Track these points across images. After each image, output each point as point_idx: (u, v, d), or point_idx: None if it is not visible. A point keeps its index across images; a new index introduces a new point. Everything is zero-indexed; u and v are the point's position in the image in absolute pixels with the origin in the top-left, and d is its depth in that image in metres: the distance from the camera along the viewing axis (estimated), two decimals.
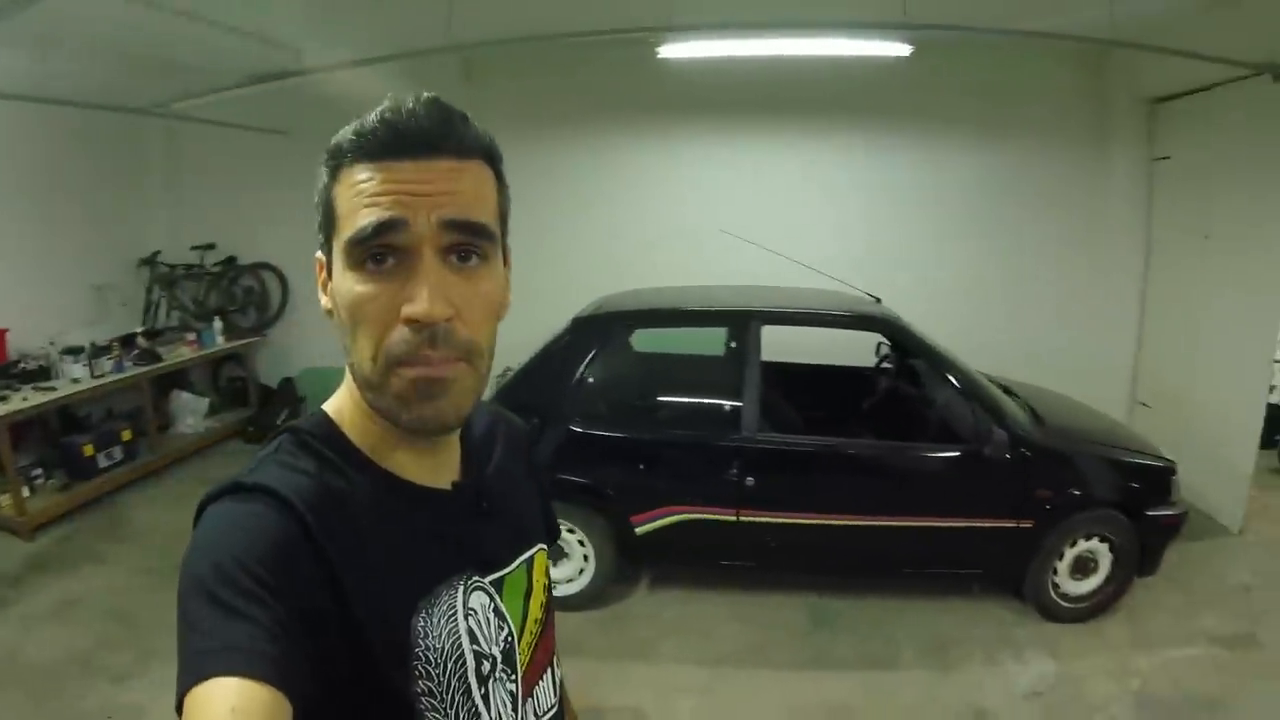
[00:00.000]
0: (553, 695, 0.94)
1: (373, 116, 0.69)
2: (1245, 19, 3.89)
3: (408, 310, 0.67)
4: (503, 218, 0.77)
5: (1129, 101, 5.30)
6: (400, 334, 0.68)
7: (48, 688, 3.06)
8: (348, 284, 0.70)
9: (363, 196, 0.68)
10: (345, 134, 0.70)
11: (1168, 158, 5.19)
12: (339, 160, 0.70)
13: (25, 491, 4.34)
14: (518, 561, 0.89)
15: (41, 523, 4.35)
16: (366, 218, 0.67)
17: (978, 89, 5.37)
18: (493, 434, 0.95)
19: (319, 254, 0.76)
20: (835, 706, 3.08)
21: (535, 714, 0.90)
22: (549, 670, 0.95)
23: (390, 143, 0.68)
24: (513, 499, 0.92)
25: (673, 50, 4.23)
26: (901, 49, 4.09)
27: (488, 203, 0.73)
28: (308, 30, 4.32)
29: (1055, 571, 3.51)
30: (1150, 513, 3.45)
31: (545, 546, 0.96)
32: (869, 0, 3.83)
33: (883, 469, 3.58)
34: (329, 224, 0.72)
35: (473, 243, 0.71)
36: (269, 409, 6.06)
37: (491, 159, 0.75)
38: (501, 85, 5.54)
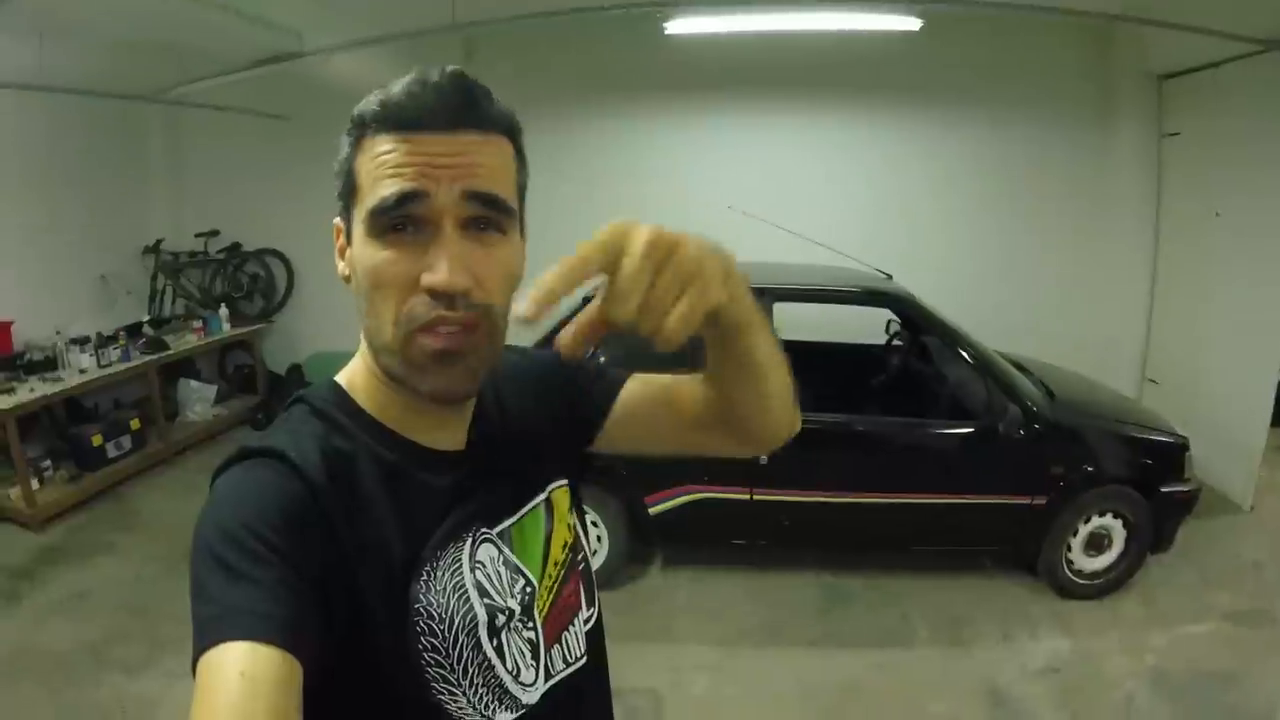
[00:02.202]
0: (582, 645, 0.91)
1: (398, 88, 0.69)
2: None
3: (427, 279, 0.68)
4: (521, 192, 0.78)
5: (1138, 78, 5.24)
6: (420, 299, 0.69)
7: (61, 679, 3.05)
8: (369, 251, 0.70)
9: (385, 167, 0.69)
10: (369, 104, 0.70)
11: (1178, 134, 5.13)
12: (362, 130, 0.71)
13: (35, 483, 4.32)
14: (528, 506, 0.88)
15: (52, 514, 4.34)
16: (389, 188, 0.68)
17: (986, 65, 5.32)
18: (505, 378, 0.93)
19: (337, 220, 0.77)
20: (849, 684, 3.08)
21: (564, 661, 0.88)
22: (580, 616, 0.91)
23: (414, 115, 0.68)
24: (526, 442, 0.90)
25: (680, 26, 4.19)
26: (911, 23, 4.06)
27: (508, 177, 0.74)
28: (308, 12, 4.28)
29: (1069, 548, 3.51)
30: (1164, 489, 3.44)
31: (566, 482, 0.94)
32: None
33: (896, 446, 3.57)
34: (349, 193, 0.73)
35: (492, 216, 0.71)
36: (277, 395, 6.04)
37: (512, 134, 0.75)
38: (504, 65, 5.48)
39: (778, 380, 0.83)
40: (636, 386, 0.98)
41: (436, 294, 0.68)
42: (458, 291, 0.68)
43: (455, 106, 0.69)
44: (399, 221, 0.69)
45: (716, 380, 0.84)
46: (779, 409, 0.87)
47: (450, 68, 0.70)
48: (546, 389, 0.96)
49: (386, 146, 0.69)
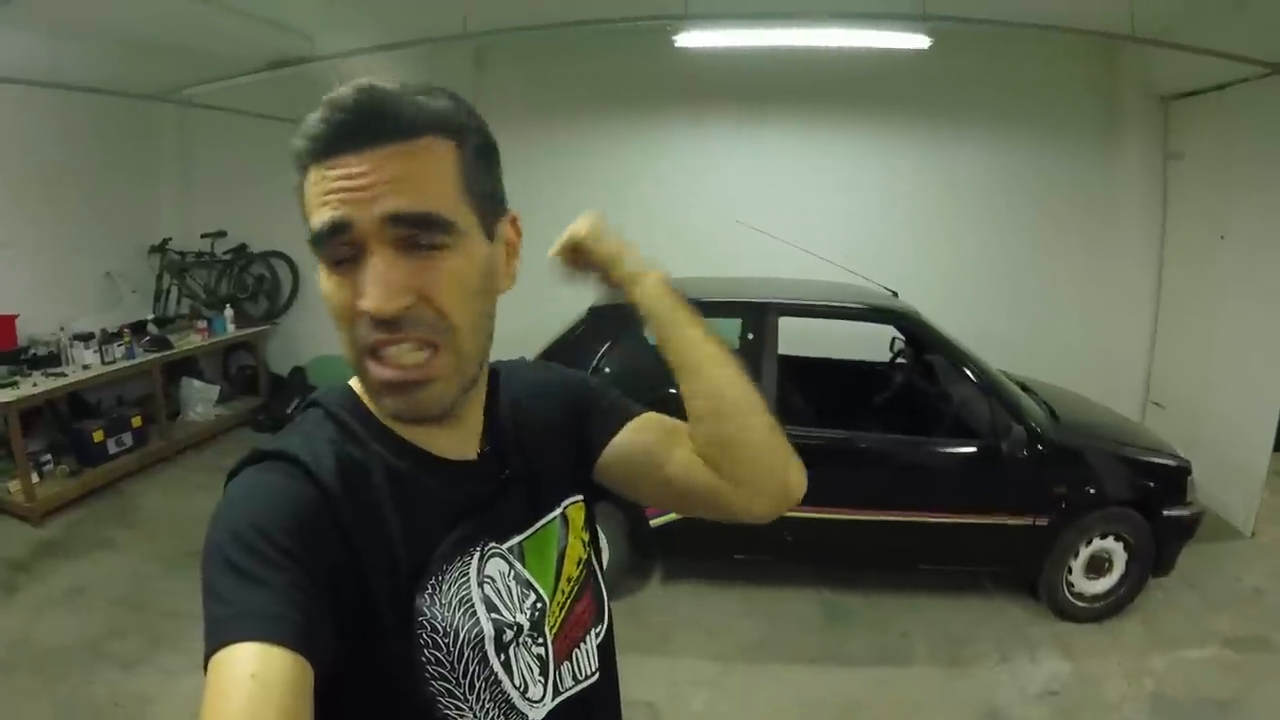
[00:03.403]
0: (594, 662, 0.90)
1: (315, 116, 0.67)
2: (1262, 17, 3.85)
3: (359, 305, 0.67)
4: (474, 190, 0.72)
5: (1143, 98, 5.25)
6: (363, 323, 0.69)
7: (57, 674, 3.05)
8: (322, 279, 0.71)
9: (318, 198, 0.68)
10: (298, 138, 0.69)
11: (1183, 156, 5.14)
12: (301, 164, 0.70)
13: (35, 477, 4.32)
14: (541, 522, 0.87)
15: (51, 509, 4.34)
16: (318, 220, 0.67)
17: (993, 83, 5.34)
18: (527, 391, 0.93)
19: None
20: (847, 702, 3.07)
21: (574, 678, 0.87)
22: (591, 632, 0.91)
23: (331, 139, 0.66)
24: (543, 457, 0.89)
25: (690, 39, 4.20)
26: (920, 41, 4.07)
27: (441, 184, 0.69)
28: (321, 17, 4.30)
29: (1070, 570, 3.49)
30: (1166, 512, 3.42)
31: (582, 498, 0.93)
32: None
33: (899, 464, 3.57)
34: (306, 224, 0.72)
35: (420, 235, 0.67)
36: (279, 397, 6.04)
37: (447, 130, 0.70)
38: (514, 73, 5.51)
39: (736, 392, 0.90)
40: (643, 426, 0.96)
41: (376, 320, 0.67)
42: (388, 315, 0.67)
43: (364, 123, 0.66)
44: (337, 251, 0.68)
45: (682, 387, 0.91)
46: (757, 434, 0.91)
47: (359, 82, 0.67)
48: (568, 406, 0.96)
49: (314, 178, 0.68)
